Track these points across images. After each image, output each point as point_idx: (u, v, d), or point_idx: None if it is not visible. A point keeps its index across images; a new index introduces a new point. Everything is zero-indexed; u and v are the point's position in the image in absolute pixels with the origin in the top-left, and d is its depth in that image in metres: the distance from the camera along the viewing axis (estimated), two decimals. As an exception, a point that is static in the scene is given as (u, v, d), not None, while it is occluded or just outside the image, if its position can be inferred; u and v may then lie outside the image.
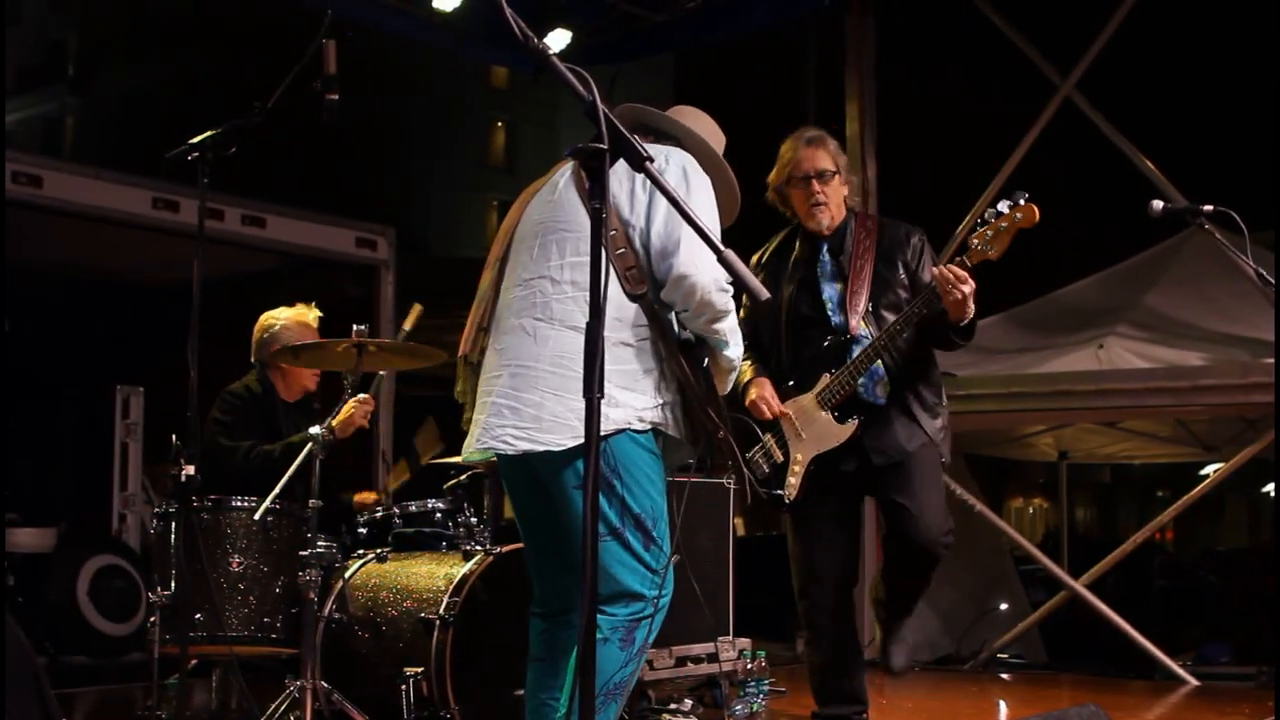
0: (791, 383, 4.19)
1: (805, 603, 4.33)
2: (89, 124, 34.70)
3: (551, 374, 3.08)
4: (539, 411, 3.09)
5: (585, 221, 3.17)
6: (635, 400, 3.12)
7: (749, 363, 4.27)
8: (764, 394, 4.17)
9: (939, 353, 4.27)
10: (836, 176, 4.21)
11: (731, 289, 3.09)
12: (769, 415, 4.15)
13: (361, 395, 4.87)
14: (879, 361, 4.09)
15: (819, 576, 4.27)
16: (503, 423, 3.14)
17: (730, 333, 3.20)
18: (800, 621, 4.47)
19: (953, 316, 3.96)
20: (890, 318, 4.11)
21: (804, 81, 8.95)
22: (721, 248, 2.45)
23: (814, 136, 4.22)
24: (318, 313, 5.06)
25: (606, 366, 3.05)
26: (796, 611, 4.44)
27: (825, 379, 4.11)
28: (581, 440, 3.06)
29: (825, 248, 4.24)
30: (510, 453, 3.12)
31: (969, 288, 3.88)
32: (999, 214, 3.95)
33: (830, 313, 4.17)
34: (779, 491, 4.16)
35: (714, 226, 3.14)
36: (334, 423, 4.80)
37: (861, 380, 4.09)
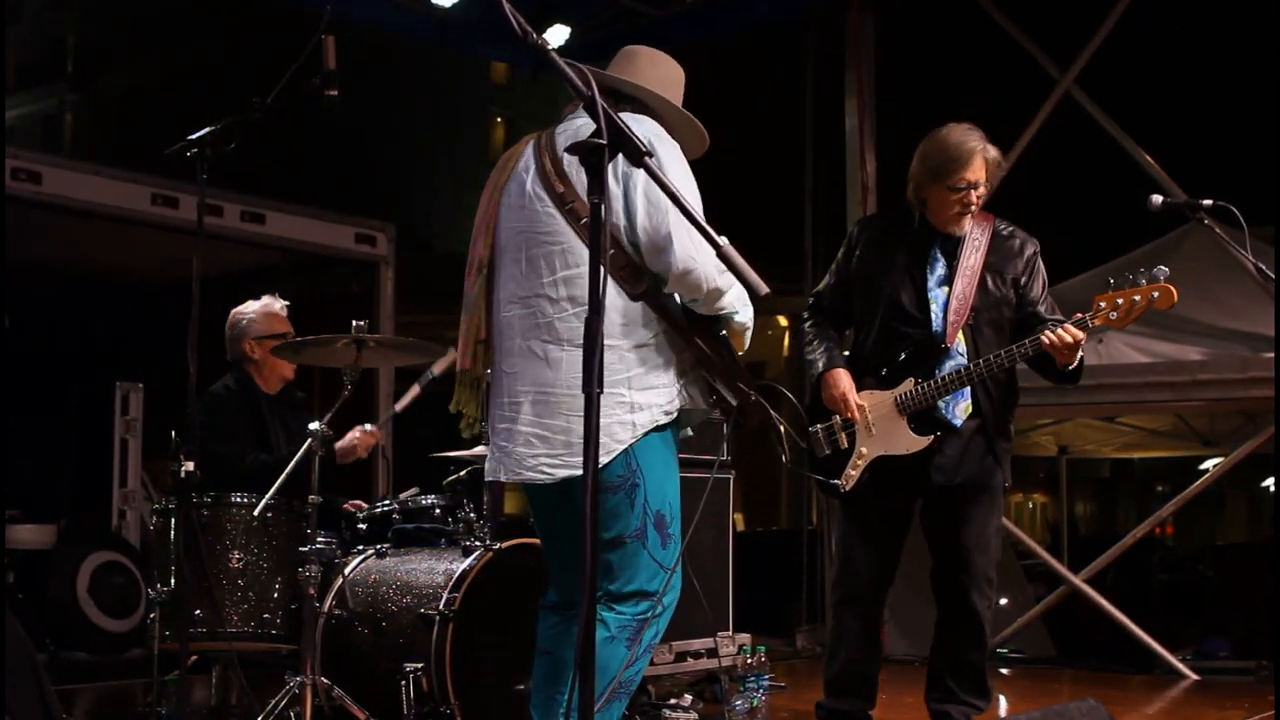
0: (885, 372, 4.14)
1: (838, 595, 4.34)
2: (88, 121, 34.67)
3: (572, 397, 3.08)
4: (568, 437, 3.10)
5: (566, 229, 3.16)
6: (657, 398, 3.14)
7: (822, 350, 4.23)
8: (843, 392, 4.12)
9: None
10: (985, 187, 4.14)
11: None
12: (848, 415, 4.12)
13: (369, 426, 4.92)
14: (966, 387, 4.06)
15: (858, 572, 4.28)
16: (535, 453, 3.15)
17: (736, 300, 3.19)
18: (830, 612, 4.48)
19: (1060, 363, 3.98)
20: (989, 334, 4.09)
21: (803, 77, 8.92)
22: (720, 241, 2.45)
23: (979, 146, 4.08)
24: (284, 302, 5.09)
25: (624, 374, 3.11)
26: (797, 606, 4.45)
27: (909, 384, 4.08)
28: (613, 455, 3.10)
29: (939, 247, 4.17)
30: (549, 482, 3.14)
31: (1078, 351, 3.90)
32: (1135, 284, 3.92)
33: (933, 316, 4.10)
34: (835, 481, 4.15)
35: (695, 200, 3.08)
36: (338, 446, 4.85)
37: (944, 399, 4.06)
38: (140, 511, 8.30)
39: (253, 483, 4.38)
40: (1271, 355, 6.63)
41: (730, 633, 5.39)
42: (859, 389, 4.16)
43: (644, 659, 3.16)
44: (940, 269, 4.15)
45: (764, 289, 2.48)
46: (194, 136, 3.79)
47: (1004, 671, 7.22)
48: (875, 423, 4.12)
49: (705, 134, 3.43)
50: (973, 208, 4.11)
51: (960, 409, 4.09)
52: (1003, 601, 8.68)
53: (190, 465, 3.87)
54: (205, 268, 3.73)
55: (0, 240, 4.92)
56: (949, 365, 4.06)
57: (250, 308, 5.04)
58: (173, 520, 4.18)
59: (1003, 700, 6.02)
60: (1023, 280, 4.19)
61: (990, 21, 7.99)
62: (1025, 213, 4.33)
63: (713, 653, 5.28)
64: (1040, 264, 4.25)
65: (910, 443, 4.07)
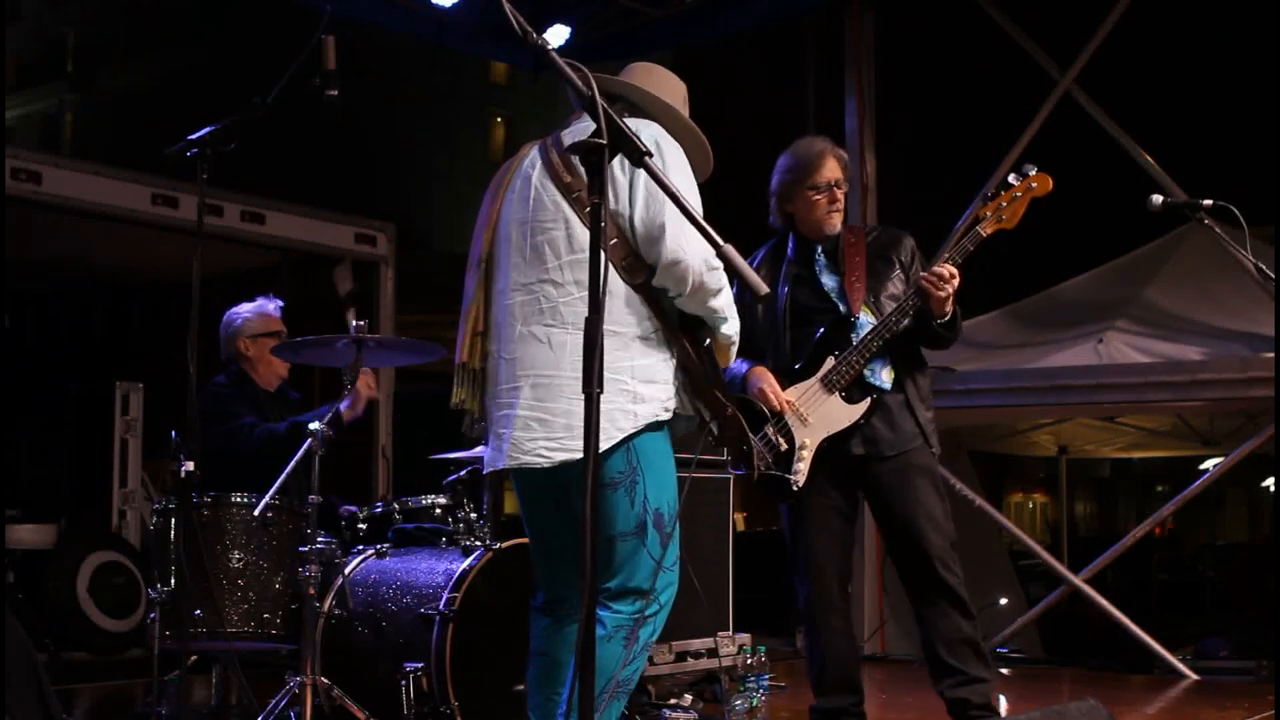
0: (797, 366, 4.20)
1: (804, 593, 4.34)
2: (88, 120, 34.71)
3: (575, 380, 3.02)
4: (569, 420, 3.07)
5: (571, 215, 3.16)
6: (659, 392, 3.14)
7: (736, 362, 4.25)
8: (766, 384, 4.17)
9: (929, 353, 4.36)
10: (845, 185, 4.32)
11: (721, 266, 3.06)
12: (775, 405, 4.15)
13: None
14: (882, 348, 4.14)
15: (819, 568, 4.27)
16: (533, 436, 3.12)
17: (726, 308, 3.19)
18: (798, 614, 4.47)
19: (935, 312, 4.08)
20: (890, 305, 4.18)
21: (803, 77, 8.93)
22: (721, 242, 2.45)
23: (827, 147, 4.30)
24: (278, 301, 5.13)
25: (628, 362, 3.10)
26: (797, 606, 4.45)
27: (830, 361, 4.15)
28: (614, 442, 3.08)
29: (820, 248, 4.31)
30: (546, 466, 3.11)
31: (954, 285, 4.02)
32: (1009, 185, 4.08)
33: (835, 299, 4.22)
34: (788, 475, 4.15)
35: (695, 201, 3.08)
36: (344, 406, 4.82)
37: (871, 366, 4.14)
38: (140, 511, 8.30)
39: (253, 481, 4.38)
40: (1271, 355, 6.64)
41: (730, 633, 5.39)
42: (784, 389, 4.21)
43: (641, 658, 3.14)
44: (824, 261, 4.29)
45: (764, 289, 2.49)
46: (194, 136, 3.78)
47: (1004, 671, 7.22)
48: (809, 410, 4.16)
49: (710, 151, 3.44)
50: (839, 205, 4.27)
51: (885, 374, 4.19)
52: (1002, 601, 8.70)
53: (190, 465, 3.87)
54: (205, 268, 3.73)
55: (0, 240, 4.93)
56: (859, 334, 4.16)
57: (245, 308, 5.10)
58: (173, 520, 4.18)
59: (1003, 700, 6.02)
60: (909, 264, 4.30)
61: (990, 21, 8.00)
62: (1025, 213, 4.35)
63: (713, 653, 5.28)
64: (919, 252, 4.38)
65: (849, 414, 4.14)
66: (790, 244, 4.36)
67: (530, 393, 3.14)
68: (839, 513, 4.28)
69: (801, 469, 4.14)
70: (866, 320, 4.16)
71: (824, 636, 4.30)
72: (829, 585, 4.28)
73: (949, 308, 4.07)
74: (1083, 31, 7.84)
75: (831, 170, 4.25)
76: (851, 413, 4.13)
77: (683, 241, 3.04)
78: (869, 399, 4.13)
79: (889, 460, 4.18)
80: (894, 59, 8.84)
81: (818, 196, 4.24)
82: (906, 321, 4.13)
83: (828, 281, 4.26)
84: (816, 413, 4.15)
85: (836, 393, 4.14)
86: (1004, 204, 4.07)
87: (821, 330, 4.19)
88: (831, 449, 4.16)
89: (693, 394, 3.21)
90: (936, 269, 4.03)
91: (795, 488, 4.15)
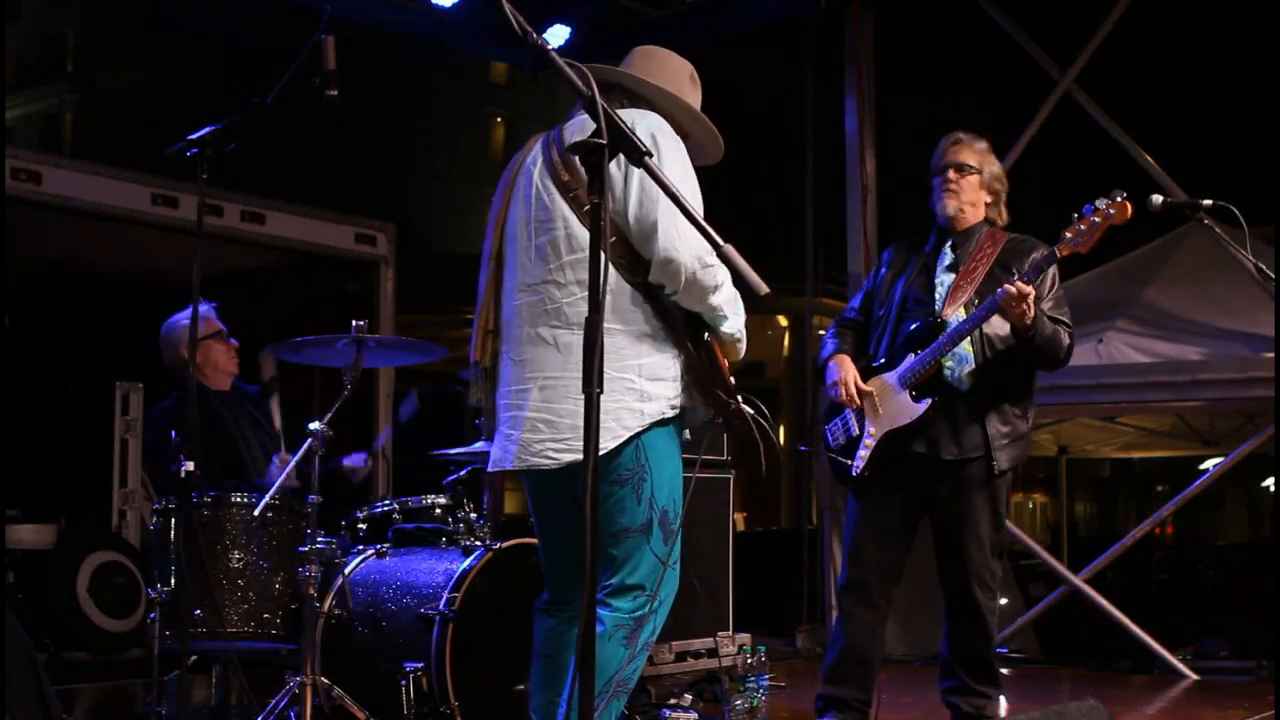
0: (888, 356, 4.30)
1: (841, 580, 4.40)
2: (88, 120, 34.71)
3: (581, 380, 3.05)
4: (575, 420, 3.06)
5: (570, 215, 3.15)
6: (666, 390, 3.13)
7: (831, 344, 4.44)
8: (844, 377, 4.30)
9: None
10: (976, 175, 4.37)
11: (716, 261, 3.05)
12: (845, 399, 4.28)
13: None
14: (970, 350, 4.17)
15: (861, 560, 4.32)
16: (540, 438, 3.13)
17: (726, 305, 3.17)
18: (836, 601, 4.51)
19: (1016, 327, 4.10)
20: (994, 319, 4.18)
21: (803, 77, 8.93)
22: (720, 241, 2.45)
23: (961, 137, 4.43)
24: (212, 303, 5.15)
25: (634, 360, 3.10)
26: (797, 606, 4.47)
27: (910, 358, 4.23)
28: (619, 441, 3.07)
29: (950, 243, 4.37)
30: (554, 468, 3.11)
31: (1025, 305, 4.00)
32: (1094, 209, 4.06)
33: (938, 299, 4.28)
34: (848, 461, 4.30)
35: (692, 194, 3.08)
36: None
37: (950, 364, 4.18)
38: (140, 511, 8.30)
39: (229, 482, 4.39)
40: (1271, 355, 6.64)
41: (730, 633, 5.39)
42: (867, 380, 4.32)
43: (641, 657, 3.13)
44: (948, 259, 4.35)
45: (764, 289, 2.49)
46: (194, 136, 3.78)
47: (1004, 671, 7.21)
48: (881, 402, 4.27)
49: (717, 134, 3.42)
50: (953, 186, 4.36)
51: (965, 376, 4.20)
52: (1002, 601, 8.68)
53: (190, 465, 3.87)
54: (205, 268, 3.73)
55: (0, 240, 4.93)
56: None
57: (181, 314, 5.06)
58: (173, 520, 4.18)
59: (1003, 700, 6.02)
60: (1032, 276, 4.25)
61: (990, 21, 7.99)
62: (1026, 212, 4.38)
63: (713, 653, 5.28)
64: (1052, 267, 4.30)
65: (909, 412, 4.20)
66: (932, 231, 4.45)
67: (538, 394, 3.14)
68: (898, 513, 4.33)
69: (863, 455, 4.27)
70: (958, 319, 4.20)
71: (849, 625, 4.33)
72: (867, 578, 4.32)
73: (1029, 323, 4.06)
74: (1083, 31, 7.84)
75: (950, 154, 4.38)
76: (912, 411, 4.20)
77: (675, 239, 3.02)
78: (930, 400, 4.18)
79: (948, 468, 4.22)
80: (894, 59, 8.84)
81: (934, 179, 4.39)
82: (1001, 330, 4.15)
83: (942, 278, 4.32)
84: (887, 406, 4.26)
85: (907, 390, 4.21)
86: (1083, 228, 4.05)
87: (910, 328, 4.26)
88: (895, 446, 4.23)
89: (700, 385, 3.20)
90: (1006, 286, 4.02)
91: (854, 472, 4.27)
